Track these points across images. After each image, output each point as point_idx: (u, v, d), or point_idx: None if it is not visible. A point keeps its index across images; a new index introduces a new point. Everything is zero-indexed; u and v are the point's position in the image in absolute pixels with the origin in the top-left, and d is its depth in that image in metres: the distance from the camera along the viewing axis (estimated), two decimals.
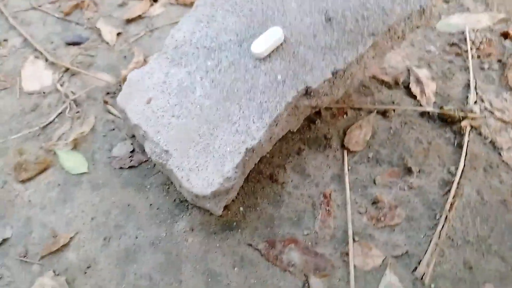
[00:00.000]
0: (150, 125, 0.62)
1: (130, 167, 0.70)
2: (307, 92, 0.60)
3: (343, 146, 0.70)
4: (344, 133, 0.71)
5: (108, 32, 0.90)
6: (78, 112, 0.77)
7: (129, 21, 0.93)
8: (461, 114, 0.71)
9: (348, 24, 0.62)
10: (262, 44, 0.61)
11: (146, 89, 0.65)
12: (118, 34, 0.90)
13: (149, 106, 0.63)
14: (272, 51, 0.62)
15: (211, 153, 0.57)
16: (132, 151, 0.71)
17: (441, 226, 0.61)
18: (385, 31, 0.62)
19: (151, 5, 0.95)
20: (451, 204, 0.63)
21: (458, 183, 0.65)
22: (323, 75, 0.60)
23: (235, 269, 0.59)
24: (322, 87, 0.61)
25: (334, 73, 0.60)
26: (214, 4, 0.70)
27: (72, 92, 0.80)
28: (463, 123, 0.70)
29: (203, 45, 0.66)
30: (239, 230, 0.62)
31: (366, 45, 0.61)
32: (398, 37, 0.65)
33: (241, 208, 0.64)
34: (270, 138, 0.61)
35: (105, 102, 0.78)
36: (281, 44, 0.62)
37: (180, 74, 0.65)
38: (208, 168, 0.56)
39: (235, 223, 0.63)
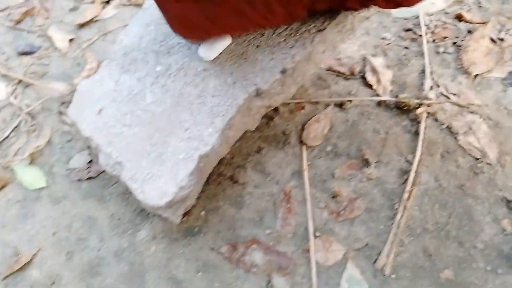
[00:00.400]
0: (102, 136, 0.61)
1: (89, 178, 0.69)
2: (258, 93, 0.60)
3: (301, 142, 0.70)
4: (303, 128, 0.72)
5: (60, 39, 0.88)
6: (33, 125, 0.76)
7: (81, 25, 0.90)
8: (416, 101, 0.71)
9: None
10: (210, 47, 0.60)
11: (96, 99, 0.64)
12: (71, 40, 0.88)
13: (100, 116, 0.62)
14: (221, 53, 0.61)
15: (164, 161, 0.57)
16: (90, 162, 0.70)
17: (399, 216, 0.62)
18: (333, 25, 0.61)
19: (103, 7, 0.93)
20: (409, 193, 0.63)
21: (416, 171, 0.66)
22: (272, 75, 0.60)
23: (199, 274, 0.59)
24: (272, 87, 0.60)
25: (283, 73, 0.60)
26: None
27: (26, 104, 0.78)
28: (419, 110, 0.71)
29: (152, 49, 0.65)
30: (202, 234, 0.62)
31: (313, 42, 0.60)
32: (348, 30, 0.65)
33: (203, 212, 0.64)
34: (226, 141, 0.60)
35: (60, 113, 0.76)
36: (230, 45, 0.62)
37: (130, 81, 0.64)
38: (161, 178, 0.56)
39: (197, 228, 0.63)
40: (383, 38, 0.84)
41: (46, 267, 0.62)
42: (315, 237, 0.61)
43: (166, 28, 0.66)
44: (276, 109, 0.74)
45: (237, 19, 0.49)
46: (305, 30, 0.61)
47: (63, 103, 0.78)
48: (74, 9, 0.95)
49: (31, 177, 0.70)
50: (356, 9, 0.56)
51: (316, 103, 0.74)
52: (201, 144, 0.57)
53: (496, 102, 0.73)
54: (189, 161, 0.56)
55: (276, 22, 0.54)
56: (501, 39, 0.81)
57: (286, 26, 0.62)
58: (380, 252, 0.59)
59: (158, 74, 0.63)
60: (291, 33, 0.61)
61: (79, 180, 0.69)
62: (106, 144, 0.60)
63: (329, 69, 0.78)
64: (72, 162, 0.71)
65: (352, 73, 0.78)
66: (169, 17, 0.52)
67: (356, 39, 0.83)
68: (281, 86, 0.62)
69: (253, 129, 0.66)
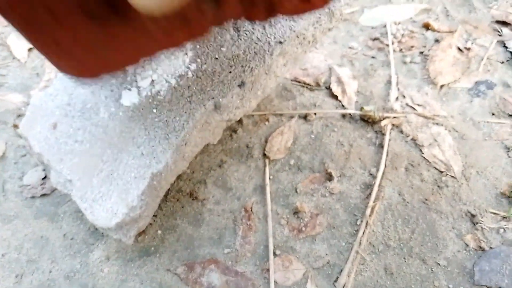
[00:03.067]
0: (53, 153, 0.58)
1: (43, 195, 0.66)
2: (216, 107, 0.58)
3: (265, 155, 0.68)
4: (266, 141, 0.70)
5: (19, 48, 0.85)
6: None
7: None
8: (380, 115, 0.70)
9: (256, 32, 0.60)
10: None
11: (49, 113, 0.62)
12: (30, 49, 0.85)
13: (53, 132, 0.60)
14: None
15: (115, 180, 0.54)
16: (44, 178, 0.67)
17: (361, 233, 0.60)
18: (293, 37, 0.60)
19: None
20: (372, 208, 0.62)
21: (379, 185, 0.64)
22: (230, 89, 0.58)
23: None
24: (231, 101, 0.58)
25: (242, 86, 0.58)
26: None
27: None
28: (384, 122, 0.70)
29: None
30: (158, 255, 0.60)
31: (273, 55, 0.59)
32: (309, 42, 0.63)
33: (159, 231, 0.62)
34: (182, 157, 0.58)
35: (15, 126, 0.73)
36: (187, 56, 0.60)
37: (84, 94, 0.61)
38: (112, 198, 0.53)
39: (153, 248, 0.60)
40: (350, 47, 0.82)
41: None
42: (275, 255, 0.59)
43: None
44: (240, 121, 0.72)
45: (131, 51, 0.44)
46: (265, 42, 0.59)
47: (19, 115, 0.75)
48: None
49: None
50: (262, 20, 0.52)
51: (281, 115, 0.73)
52: (153, 161, 0.54)
53: (462, 113, 0.72)
54: (141, 180, 0.54)
55: (178, 43, 0.49)
56: (468, 49, 0.80)
57: (245, 37, 0.60)
58: (341, 271, 0.58)
59: (113, 87, 0.61)
60: (250, 45, 0.59)
61: (32, 197, 0.66)
62: (57, 161, 0.58)
63: (295, 80, 0.77)
64: (26, 178, 0.68)
65: (318, 84, 0.76)
66: (54, 61, 0.43)
67: (323, 48, 0.82)
68: (240, 99, 0.60)
69: (215, 143, 0.64)
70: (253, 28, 0.60)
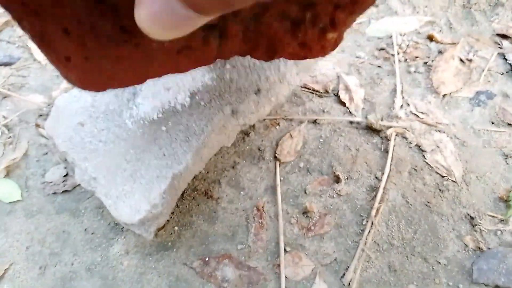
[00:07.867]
0: (77, 151, 0.61)
1: (64, 191, 0.69)
2: (233, 112, 0.62)
3: (275, 157, 0.72)
4: (277, 144, 0.73)
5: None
6: (10, 137, 0.76)
7: None
8: (385, 123, 0.73)
9: None
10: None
11: (74, 114, 0.65)
12: None
13: (77, 132, 0.63)
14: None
15: (138, 179, 0.58)
16: (66, 175, 0.71)
17: (367, 232, 0.64)
18: None
19: None
20: (377, 210, 0.66)
21: (384, 188, 0.68)
22: (247, 95, 0.61)
23: None
24: (247, 107, 0.62)
25: (258, 93, 0.61)
26: None
27: (3, 116, 0.79)
28: (389, 129, 0.73)
29: None
30: (174, 249, 0.63)
31: (287, 64, 0.62)
32: None
33: (176, 227, 0.65)
34: (200, 158, 0.62)
35: (37, 125, 0.77)
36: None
37: (108, 96, 0.65)
38: (135, 195, 0.57)
39: (170, 243, 0.64)
40: (357, 57, 0.86)
41: (18, 282, 0.62)
42: (286, 252, 0.62)
43: None
44: (252, 125, 0.76)
45: (138, 72, 0.46)
46: None
47: (40, 115, 0.79)
48: None
49: (5, 190, 0.70)
50: (266, 60, 0.56)
51: (291, 119, 0.76)
52: (174, 162, 0.58)
53: (463, 121, 0.76)
54: (163, 179, 0.57)
55: (183, 69, 0.51)
56: (470, 60, 0.84)
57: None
58: (348, 268, 0.61)
59: (136, 90, 0.64)
60: None
61: (54, 193, 0.69)
62: (82, 159, 0.61)
63: (304, 87, 0.81)
64: (48, 175, 0.71)
65: (326, 91, 0.80)
66: (63, 73, 0.47)
67: (331, 57, 0.86)
68: (256, 105, 0.64)
69: (229, 145, 0.68)
70: None
